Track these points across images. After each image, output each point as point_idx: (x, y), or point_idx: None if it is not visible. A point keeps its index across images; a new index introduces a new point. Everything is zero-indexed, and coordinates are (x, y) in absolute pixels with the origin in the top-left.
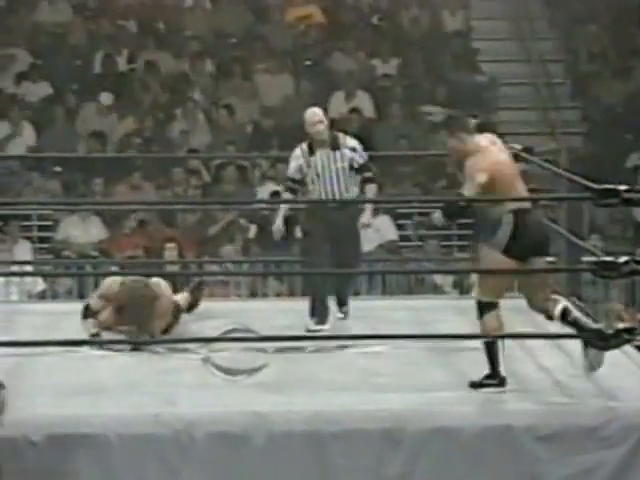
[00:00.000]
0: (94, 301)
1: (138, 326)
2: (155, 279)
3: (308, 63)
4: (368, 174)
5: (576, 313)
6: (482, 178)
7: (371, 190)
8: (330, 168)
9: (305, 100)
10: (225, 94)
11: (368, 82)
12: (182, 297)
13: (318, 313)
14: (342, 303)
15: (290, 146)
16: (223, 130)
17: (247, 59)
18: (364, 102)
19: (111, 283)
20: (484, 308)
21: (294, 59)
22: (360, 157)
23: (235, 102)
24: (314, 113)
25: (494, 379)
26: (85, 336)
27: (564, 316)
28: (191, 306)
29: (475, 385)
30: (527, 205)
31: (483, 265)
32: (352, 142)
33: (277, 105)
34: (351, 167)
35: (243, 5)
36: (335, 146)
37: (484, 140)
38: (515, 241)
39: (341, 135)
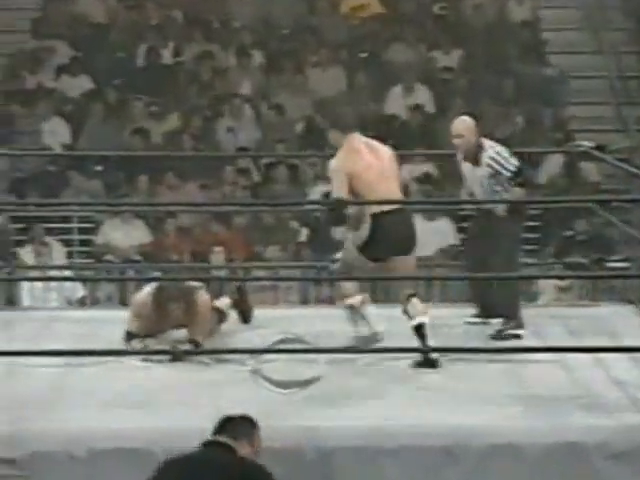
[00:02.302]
0: (132, 324)
1: (179, 327)
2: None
3: (364, 55)
4: (518, 180)
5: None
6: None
7: (514, 194)
8: (472, 177)
9: (360, 95)
10: (275, 89)
11: (428, 76)
12: (222, 302)
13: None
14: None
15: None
16: (273, 127)
17: (299, 52)
18: (424, 97)
19: (143, 297)
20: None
21: (349, 51)
22: (501, 167)
23: (286, 97)
24: (454, 127)
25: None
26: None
27: (418, 329)
28: (244, 313)
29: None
30: (388, 208)
31: (344, 258)
32: (491, 153)
33: (330, 100)
34: (495, 174)
35: None
36: (476, 160)
37: (356, 141)
38: (371, 243)
39: (487, 145)
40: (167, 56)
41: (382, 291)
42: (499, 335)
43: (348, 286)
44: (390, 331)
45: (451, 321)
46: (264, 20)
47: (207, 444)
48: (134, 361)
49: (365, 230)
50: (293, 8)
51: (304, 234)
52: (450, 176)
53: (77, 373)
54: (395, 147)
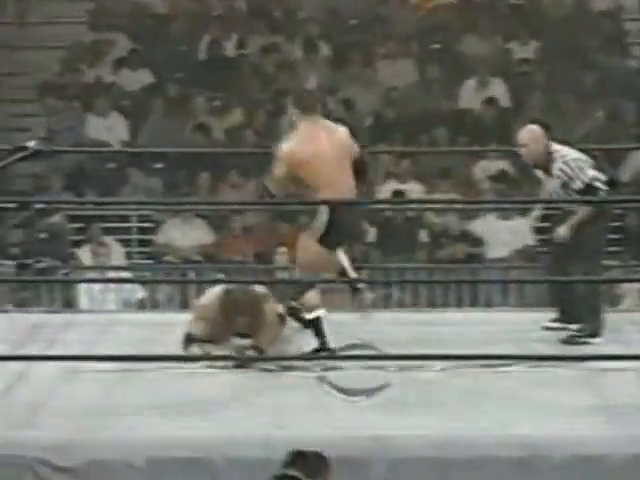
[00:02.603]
0: (194, 326)
1: (244, 336)
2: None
3: (435, 47)
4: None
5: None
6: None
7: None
8: (547, 185)
9: (431, 88)
10: (342, 83)
11: (503, 68)
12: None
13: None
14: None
15: (415, 139)
16: (340, 122)
17: (367, 43)
18: (499, 91)
19: (208, 299)
20: (305, 287)
21: (419, 43)
22: (570, 180)
23: (353, 91)
24: (520, 136)
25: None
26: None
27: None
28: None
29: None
30: (344, 195)
31: (300, 250)
32: (560, 164)
33: (400, 94)
34: (566, 185)
35: None
36: (547, 170)
37: (311, 128)
38: (329, 232)
39: (557, 155)
40: (230, 48)
41: None
42: (571, 340)
43: (311, 297)
44: (459, 338)
45: (526, 327)
46: (331, 11)
47: (279, 477)
48: (196, 367)
49: (323, 218)
50: None
51: (372, 234)
52: (527, 174)
53: (136, 379)
54: (468, 143)
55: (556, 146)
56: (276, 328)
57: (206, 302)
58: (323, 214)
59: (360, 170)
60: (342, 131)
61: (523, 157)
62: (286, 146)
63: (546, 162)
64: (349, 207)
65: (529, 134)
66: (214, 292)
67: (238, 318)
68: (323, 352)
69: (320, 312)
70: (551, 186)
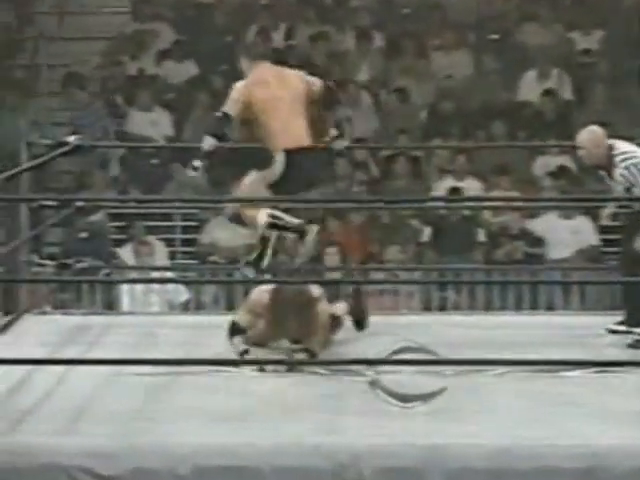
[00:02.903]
0: (242, 317)
1: (295, 341)
2: (310, 286)
3: (494, 37)
4: None
5: None
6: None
7: None
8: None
9: (489, 80)
10: (396, 74)
11: (566, 59)
12: (339, 307)
13: None
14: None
15: (472, 134)
16: (393, 116)
17: (421, 33)
18: (561, 82)
19: (260, 294)
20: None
21: (477, 33)
22: (632, 185)
23: (407, 83)
24: (578, 137)
25: None
26: (234, 355)
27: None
28: (359, 320)
29: None
30: (303, 144)
31: (242, 188)
32: (622, 170)
33: (456, 86)
34: (629, 189)
35: None
36: (609, 173)
37: (265, 71)
38: (284, 179)
39: (618, 159)
40: (278, 39)
41: None
42: (637, 345)
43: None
44: (517, 342)
45: (589, 330)
46: None
47: None
48: (243, 371)
49: (279, 166)
50: None
51: (426, 234)
52: (589, 170)
53: (181, 383)
54: (528, 138)
55: (619, 145)
56: (328, 331)
57: (257, 296)
58: (279, 163)
59: (328, 102)
60: (294, 74)
61: (582, 159)
62: (241, 84)
63: (608, 165)
64: (307, 158)
65: (589, 136)
66: (265, 289)
67: (289, 319)
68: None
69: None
70: (615, 189)
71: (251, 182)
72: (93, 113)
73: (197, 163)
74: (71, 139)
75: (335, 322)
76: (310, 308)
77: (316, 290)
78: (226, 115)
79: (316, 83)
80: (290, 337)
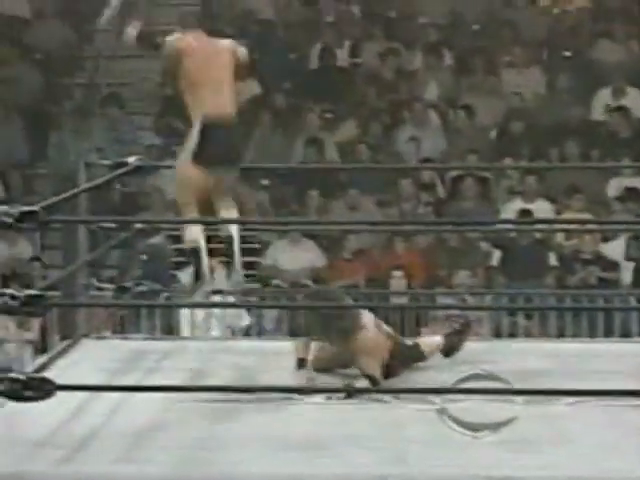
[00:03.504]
0: (303, 350)
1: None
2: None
3: (566, 54)
4: None
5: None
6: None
7: None
8: None
9: (561, 98)
10: (464, 92)
11: None
12: (431, 341)
13: None
14: None
15: (543, 154)
16: (461, 135)
17: (492, 50)
18: (635, 101)
19: None
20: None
21: (548, 49)
22: None
23: (476, 101)
24: None
25: None
26: (298, 382)
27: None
28: (451, 350)
29: None
30: (221, 112)
31: (177, 169)
32: None
33: (527, 105)
34: None
35: None
36: None
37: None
38: (202, 149)
39: None
40: (343, 57)
41: None
42: None
43: (194, 230)
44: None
45: None
46: (453, 15)
47: None
48: (306, 398)
49: (194, 137)
50: (486, 1)
51: (496, 257)
52: None
53: (242, 411)
54: (601, 157)
55: None
56: (375, 357)
57: None
58: (195, 133)
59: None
60: (223, 45)
61: None
62: (170, 38)
63: None
64: (224, 128)
65: None
66: None
67: (338, 345)
68: (199, 279)
69: (199, 244)
70: None
71: (181, 161)
72: (152, 132)
73: None
74: (131, 160)
75: (417, 355)
76: (355, 342)
77: (366, 316)
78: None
79: (243, 52)
80: (339, 366)
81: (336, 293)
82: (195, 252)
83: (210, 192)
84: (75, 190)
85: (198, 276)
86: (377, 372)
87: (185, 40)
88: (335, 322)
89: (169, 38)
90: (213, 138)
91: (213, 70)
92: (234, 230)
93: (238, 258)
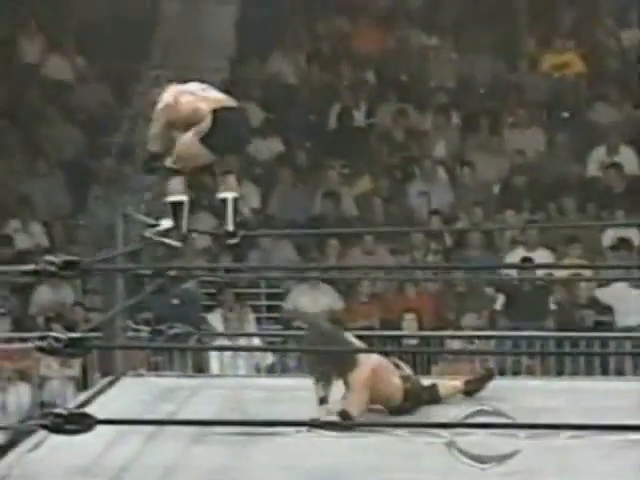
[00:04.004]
0: (323, 389)
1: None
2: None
3: (565, 115)
4: None
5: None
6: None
7: None
8: None
9: (560, 156)
10: (470, 150)
11: (633, 136)
12: (450, 384)
13: None
14: None
15: (543, 206)
16: (467, 189)
17: (496, 111)
18: (628, 157)
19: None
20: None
21: (549, 111)
22: None
23: (481, 159)
24: None
25: None
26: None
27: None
28: (469, 393)
29: None
30: (228, 104)
31: (180, 143)
32: None
33: (529, 162)
34: None
35: (493, 52)
36: None
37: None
38: (212, 135)
39: None
40: (359, 117)
41: None
42: None
43: (176, 182)
44: (588, 407)
45: None
46: (461, 79)
47: None
48: (326, 432)
49: (207, 122)
50: (491, 66)
51: (500, 301)
52: None
53: (267, 443)
54: (597, 210)
55: None
56: (362, 395)
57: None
58: (207, 119)
59: None
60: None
61: None
62: (160, 105)
63: None
64: (231, 119)
65: None
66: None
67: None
68: (175, 231)
69: (182, 197)
70: None
71: (187, 138)
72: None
73: None
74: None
75: (431, 395)
76: (349, 379)
77: (372, 357)
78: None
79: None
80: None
81: (334, 331)
82: (177, 205)
83: (210, 170)
84: (114, 253)
85: (177, 227)
86: (357, 409)
87: (173, 91)
88: (331, 359)
89: (160, 105)
90: (222, 125)
91: (207, 93)
92: (230, 195)
93: (232, 220)
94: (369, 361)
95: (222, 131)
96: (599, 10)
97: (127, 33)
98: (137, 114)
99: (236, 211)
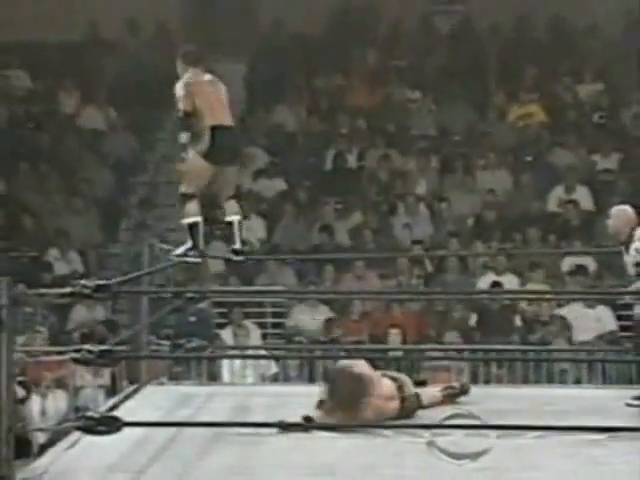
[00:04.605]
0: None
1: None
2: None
3: (529, 159)
4: None
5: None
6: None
7: None
8: (625, 261)
9: (525, 194)
10: (447, 189)
11: (588, 177)
12: (432, 395)
13: None
14: None
15: (510, 237)
16: (445, 222)
17: (470, 155)
18: (583, 195)
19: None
20: (185, 198)
21: (515, 155)
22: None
23: (457, 196)
24: (613, 210)
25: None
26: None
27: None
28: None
29: None
30: (225, 123)
31: (187, 164)
32: (638, 244)
33: (498, 199)
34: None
35: (467, 105)
36: (627, 248)
37: (201, 73)
38: (211, 150)
39: (637, 236)
40: (352, 160)
41: None
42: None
43: (193, 207)
44: (550, 410)
45: (609, 402)
46: (439, 127)
47: None
48: (323, 433)
49: (206, 139)
50: (465, 116)
51: (473, 319)
52: (607, 268)
53: (273, 443)
54: (557, 241)
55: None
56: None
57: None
58: (206, 138)
59: None
60: (221, 84)
61: (609, 229)
62: (185, 83)
63: (628, 240)
64: (228, 134)
65: (615, 211)
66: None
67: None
68: (193, 250)
69: (197, 219)
70: (627, 260)
71: (191, 158)
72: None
73: None
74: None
75: (417, 408)
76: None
77: (369, 390)
78: (185, 113)
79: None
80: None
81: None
82: (193, 226)
83: (214, 186)
84: (138, 273)
85: (195, 246)
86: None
87: (194, 76)
88: (345, 391)
89: (183, 83)
90: (218, 142)
91: (215, 94)
92: (236, 218)
93: (238, 239)
94: (381, 389)
95: (219, 147)
96: (558, 68)
97: (151, 86)
98: (160, 158)
99: (241, 231)
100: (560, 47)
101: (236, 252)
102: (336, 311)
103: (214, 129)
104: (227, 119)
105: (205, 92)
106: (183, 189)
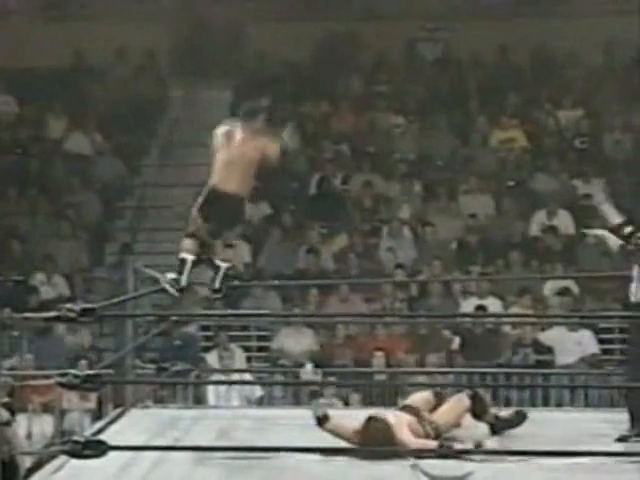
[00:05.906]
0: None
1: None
2: (395, 416)
3: (511, 184)
4: None
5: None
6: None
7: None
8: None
9: (507, 219)
10: (430, 213)
11: (569, 202)
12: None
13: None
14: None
15: (493, 262)
16: (428, 246)
17: (452, 180)
18: (564, 220)
19: (351, 424)
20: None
21: (497, 180)
22: None
23: (440, 220)
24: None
25: None
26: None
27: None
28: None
29: None
30: (228, 189)
31: (194, 208)
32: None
33: (480, 224)
34: None
35: (449, 130)
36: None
37: (239, 132)
38: (205, 209)
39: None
40: (336, 185)
41: None
42: (623, 439)
43: (188, 244)
44: (532, 433)
45: (593, 425)
46: (422, 152)
47: None
48: (308, 456)
49: (203, 194)
50: (448, 141)
51: (456, 342)
52: (589, 292)
53: (257, 466)
54: (539, 265)
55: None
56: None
57: (346, 426)
58: (205, 192)
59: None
60: (257, 143)
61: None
62: (221, 133)
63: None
64: (228, 198)
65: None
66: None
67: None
68: (176, 286)
69: (187, 256)
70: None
71: (196, 205)
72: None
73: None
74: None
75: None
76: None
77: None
78: None
79: (273, 150)
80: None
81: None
82: (183, 261)
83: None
84: (123, 297)
85: (177, 280)
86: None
87: (231, 132)
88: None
89: (221, 131)
90: (213, 203)
91: (235, 159)
92: (224, 265)
93: (219, 282)
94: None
95: (213, 207)
96: (540, 94)
97: (138, 113)
98: (145, 182)
99: (225, 276)
100: (541, 74)
101: (215, 291)
102: (320, 335)
103: (213, 190)
104: (229, 185)
105: (228, 155)
106: (188, 227)
